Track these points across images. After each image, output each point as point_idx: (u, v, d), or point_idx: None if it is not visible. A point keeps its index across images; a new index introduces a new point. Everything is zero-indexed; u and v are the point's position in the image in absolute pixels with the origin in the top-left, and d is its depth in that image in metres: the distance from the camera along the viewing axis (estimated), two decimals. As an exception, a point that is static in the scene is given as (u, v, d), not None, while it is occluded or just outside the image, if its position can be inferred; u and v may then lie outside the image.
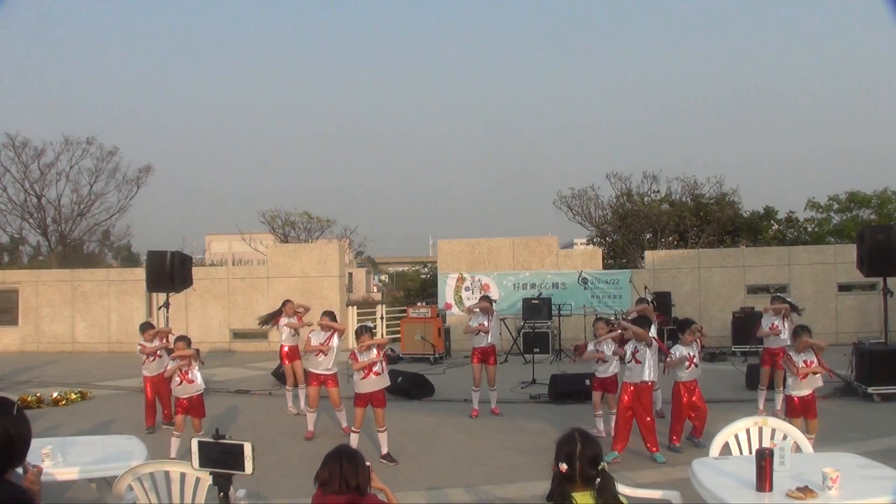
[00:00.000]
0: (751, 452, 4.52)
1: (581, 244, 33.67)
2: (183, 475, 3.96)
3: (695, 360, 7.32)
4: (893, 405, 9.15)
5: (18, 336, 17.49)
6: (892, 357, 9.61)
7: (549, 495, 2.92)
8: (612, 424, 7.41)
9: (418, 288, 29.53)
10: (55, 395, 10.41)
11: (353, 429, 7.20)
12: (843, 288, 15.85)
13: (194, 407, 7.21)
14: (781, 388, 8.12)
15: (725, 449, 4.78)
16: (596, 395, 7.96)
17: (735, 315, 14.38)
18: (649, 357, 6.97)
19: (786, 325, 8.62)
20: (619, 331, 7.61)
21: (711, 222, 22.20)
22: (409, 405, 9.89)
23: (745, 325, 12.99)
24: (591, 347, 8.00)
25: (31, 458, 2.75)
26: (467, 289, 16.55)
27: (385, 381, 7.15)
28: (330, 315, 8.13)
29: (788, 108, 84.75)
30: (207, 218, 72.20)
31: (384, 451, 7.12)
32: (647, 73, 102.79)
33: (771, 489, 3.72)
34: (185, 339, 7.32)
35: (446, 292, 16.72)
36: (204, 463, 3.27)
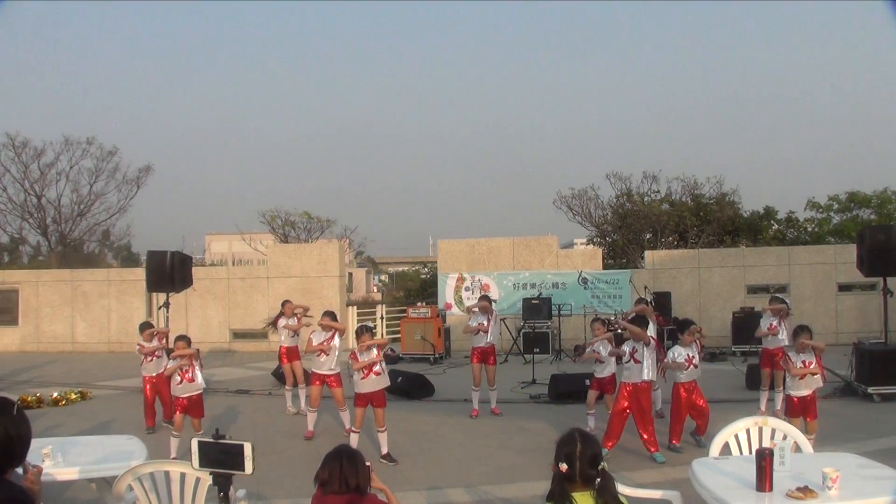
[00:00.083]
0: (751, 452, 4.51)
1: (581, 244, 33.68)
2: (183, 475, 3.95)
3: (694, 361, 7.31)
4: (893, 405, 9.15)
5: (18, 336, 17.50)
6: (892, 357, 9.61)
7: (549, 495, 2.91)
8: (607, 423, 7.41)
9: (418, 288, 29.54)
10: (55, 395, 10.41)
11: (353, 429, 7.21)
12: (843, 288, 15.85)
13: (194, 406, 7.21)
14: (781, 388, 8.13)
15: (725, 449, 4.77)
16: (592, 394, 7.95)
17: (735, 315, 14.38)
18: (648, 357, 6.97)
19: (784, 325, 8.62)
20: (614, 331, 7.61)
21: (711, 222, 22.20)
22: (409, 405, 9.89)
23: (745, 325, 12.99)
24: (588, 349, 8.00)
25: (31, 458, 2.75)
26: (467, 289, 16.55)
27: (385, 381, 7.15)
28: (330, 315, 8.13)
29: (788, 108, 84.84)
30: (207, 218, 72.36)
31: (384, 451, 7.12)
32: (647, 73, 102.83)
33: (771, 489, 3.72)
34: (184, 339, 7.32)
35: (446, 292, 16.72)
36: (204, 463, 3.27)
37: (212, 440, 3.27)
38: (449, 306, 16.48)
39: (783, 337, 8.50)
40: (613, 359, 7.69)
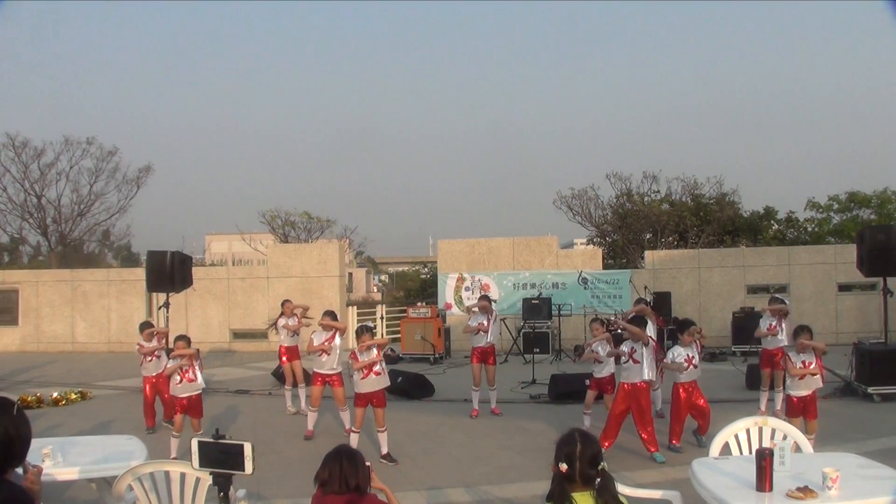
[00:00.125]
0: (751, 452, 4.51)
1: (581, 244, 33.70)
2: (183, 475, 3.95)
3: (694, 361, 7.30)
4: (893, 405, 9.15)
5: (18, 336, 17.50)
6: (892, 357, 9.61)
7: (548, 495, 2.91)
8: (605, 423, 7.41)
9: (418, 288, 29.58)
10: (55, 395, 10.41)
11: (353, 429, 7.21)
12: (843, 288, 15.85)
13: (193, 406, 7.21)
14: (781, 388, 8.13)
15: (725, 449, 4.77)
16: (590, 394, 7.94)
17: (735, 315, 14.38)
18: (647, 356, 6.97)
19: (783, 326, 8.62)
20: (613, 331, 7.60)
21: (711, 222, 22.20)
22: (409, 405, 9.89)
23: (745, 325, 12.99)
24: (587, 349, 8.00)
25: (31, 458, 2.75)
26: (467, 289, 16.55)
27: (385, 381, 7.15)
28: (331, 315, 8.13)
29: (788, 108, 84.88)
30: (207, 218, 72.38)
31: (384, 451, 7.12)
32: (647, 73, 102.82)
33: (771, 489, 3.72)
34: (184, 339, 7.32)
35: (446, 292, 16.72)
36: (204, 463, 3.27)
37: (212, 440, 3.27)
38: (449, 306, 16.48)
39: (782, 337, 8.51)
40: (612, 359, 7.69)
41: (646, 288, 14.16)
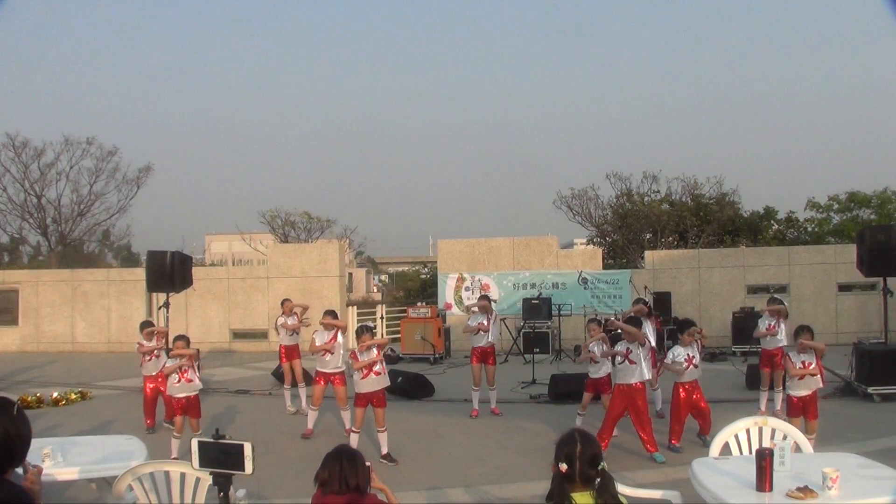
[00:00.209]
0: (751, 452, 4.52)
1: (581, 244, 33.69)
2: (183, 475, 3.96)
3: (694, 361, 7.29)
4: (893, 405, 9.15)
5: (18, 336, 17.49)
6: (892, 357, 9.61)
7: (548, 495, 2.92)
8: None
9: (418, 288, 29.58)
10: (55, 395, 10.41)
11: (353, 429, 7.21)
12: (843, 288, 15.86)
13: (192, 407, 7.20)
14: (781, 388, 8.13)
15: (725, 449, 4.78)
16: (586, 396, 7.90)
17: (735, 315, 14.38)
18: (643, 357, 6.96)
19: (782, 326, 8.62)
20: (610, 332, 7.60)
21: (711, 222, 22.21)
22: (409, 405, 9.89)
23: (745, 326, 12.96)
24: (584, 351, 7.99)
25: (31, 458, 2.75)
26: (467, 289, 16.55)
27: (385, 381, 7.15)
28: (331, 314, 8.12)
29: (788, 108, 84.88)
30: (207, 218, 72.41)
31: (384, 451, 7.12)
32: (647, 73, 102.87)
33: (771, 489, 3.72)
34: (184, 338, 7.31)
35: (446, 292, 16.72)
36: (204, 463, 3.27)
37: (212, 440, 3.27)
38: (449, 306, 16.48)
39: (781, 337, 8.51)
40: (608, 359, 7.68)
41: (646, 288, 14.16)
